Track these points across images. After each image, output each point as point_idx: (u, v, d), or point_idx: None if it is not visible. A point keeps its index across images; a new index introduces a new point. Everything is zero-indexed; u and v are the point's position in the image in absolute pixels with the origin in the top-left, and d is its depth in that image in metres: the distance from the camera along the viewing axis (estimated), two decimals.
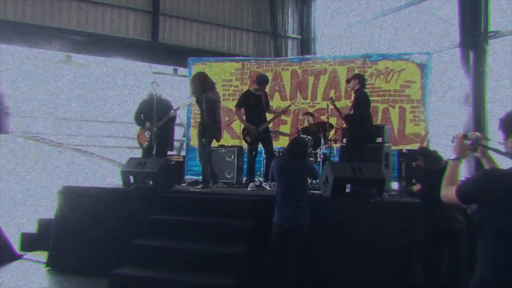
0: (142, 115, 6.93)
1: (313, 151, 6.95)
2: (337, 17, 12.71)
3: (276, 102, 8.60)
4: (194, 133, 8.57)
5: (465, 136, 2.37)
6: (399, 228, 4.71)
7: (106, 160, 12.37)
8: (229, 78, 9.16)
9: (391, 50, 9.95)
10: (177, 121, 7.49)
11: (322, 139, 7.01)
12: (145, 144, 6.76)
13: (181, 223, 5.02)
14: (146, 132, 6.75)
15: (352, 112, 6.17)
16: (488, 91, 8.51)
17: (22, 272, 5.60)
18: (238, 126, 8.71)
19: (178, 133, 9.89)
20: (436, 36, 9.70)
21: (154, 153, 6.76)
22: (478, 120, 8.39)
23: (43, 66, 11.96)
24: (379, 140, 6.71)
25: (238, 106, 6.70)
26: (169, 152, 7.87)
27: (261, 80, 6.66)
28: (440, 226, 4.09)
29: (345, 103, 7.95)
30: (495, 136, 2.26)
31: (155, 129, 6.66)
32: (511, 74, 8.08)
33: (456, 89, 9.00)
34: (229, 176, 7.65)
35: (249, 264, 4.52)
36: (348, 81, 6.53)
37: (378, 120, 8.16)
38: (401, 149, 7.17)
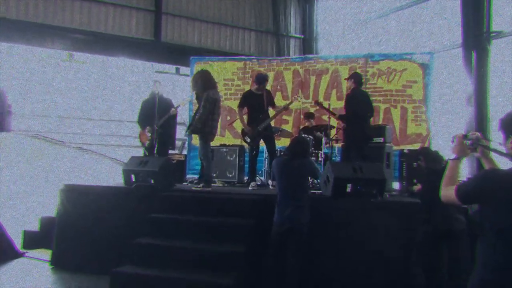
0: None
1: (314, 151, 6.96)
2: (340, 17, 12.69)
3: (277, 102, 8.52)
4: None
5: (465, 136, 2.38)
6: (399, 228, 4.71)
7: (108, 158, 12.39)
8: (231, 77, 9.17)
9: (393, 50, 9.94)
10: (180, 120, 7.51)
11: (323, 139, 7.00)
12: (147, 143, 6.77)
13: (182, 222, 5.03)
14: (147, 131, 6.76)
15: (344, 112, 6.19)
16: (490, 91, 8.49)
17: (25, 269, 5.62)
18: (239, 125, 8.73)
19: (180, 132, 9.90)
20: (439, 36, 9.68)
21: (155, 151, 6.78)
22: (480, 120, 8.37)
23: (45, 65, 12.00)
24: (380, 140, 6.72)
25: (240, 106, 6.75)
26: (170, 151, 7.89)
27: (260, 79, 6.68)
28: (440, 226, 4.09)
29: None
30: (497, 136, 2.26)
31: (156, 128, 6.67)
32: None
33: (458, 89, 8.98)
34: (230, 175, 7.67)
35: (249, 264, 4.52)
36: (346, 79, 6.55)
37: (379, 120, 8.16)
38: (403, 149, 7.17)
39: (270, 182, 6.90)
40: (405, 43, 10.35)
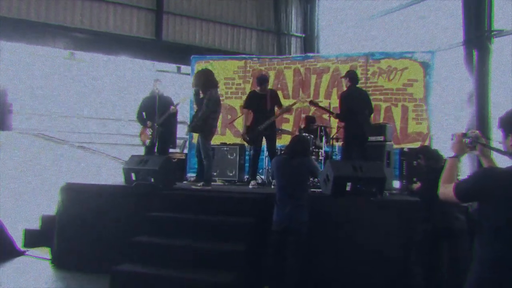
0: (144, 113, 6.94)
1: (315, 150, 6.96)
2: (341, 15, 12.68)
3: None
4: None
5: (464, 134, 2.39)
6: (399, 227, 4.70)
7: (110, 157, 12.43)
8: (231, 76, 9.17)
9: (395, 49, 9.92)
10: (181, 118, 7.51)
11: (324, 138, 7.01)
12: (147, 141, 6.77)
13: (182, 220, 5.04)
14: (148, 130, 6.76)
15: (338, 111, 6.18)
16: (492, 90, 8.47)
17: (25, 268, 5.64)
18: (240, 124, 8.74)
19: (181, 130, 9.91)
20: (440, 35, 9.66)
21: (156, 150, 6.79)
22: (481, 119, 8.35)
23: (47, 64, 12.02)
24: (381, 138, 6.71)
25: (244, 106, 6.84)
26: (172, 150, 7.89)
27: (260, 81, 6.72)
28: (439, 224, 4.08)
29: None
30: (498, 135, 2.26)
31: (157, 126, 6.67)
32: None
33: (459, 88, 8.96)
34: (231, 174, 7.68)
35: (249, 263, 4.52)
36: (342, 77, 6.53)
37: (380, 118, 8.16)
38: (403, 148, 7.16)
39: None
40: (406, 42, 10.33)
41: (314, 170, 4.58)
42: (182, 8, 12.13)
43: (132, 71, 12.96)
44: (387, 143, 6.72)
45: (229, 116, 8.84)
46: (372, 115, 6.64)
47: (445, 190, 2.26)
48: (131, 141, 11.53)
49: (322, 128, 7.12)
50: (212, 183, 6.39)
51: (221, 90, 8.50)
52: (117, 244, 5.08)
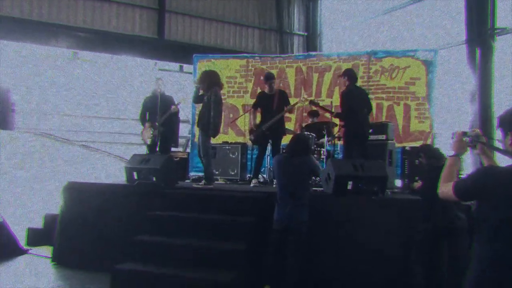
0: (147, 113, 6.95)
1: (316, 148, 6.95)
2: (343, 14, 12.67)
3: None
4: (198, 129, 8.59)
5: (464, 133, 2.38)
6: (400, 226, 4.68)
7: (112, 156, 12.46)
8: (233, 75, 9.17)
9: (397, 47, 9.90)
10: (183, 117, 7.52)
11: (325, 136, 6.99)
12: (148, 140, 6.78)
13: (183, 219, 5.04)
14: (149, 129, 6.78)
15: (340, 110, 6.16)
16: (495, 88, 8.43)
17: (27, 266, 5.66)
18: (242, 123, 8.75)
19: (183, 129, 9.92)
20: (442, 33, 9.63)
21: (158, 149, 6.80)
22: (484, 118, 8.33)
23: (49, 63, 12.06)
24: (383, 137, 6.69)
25: (253, 106, 6.91)
26: (174, 149, 7.90)
27: (267, 77, 6.77)
28: (440, 223, 4.07)
29: None
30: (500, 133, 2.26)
31: (158, 126, 6.68)
32: None
33: (462, 86, 8.93)
34: (232, 173, 7.69)
35: (249, 262, 4.52)
36: (340, 76, 6.49)
37: (382, 117, 8.14)
38: (405, 146, 7.14)
39: None
40: (408, 40, 10.30)
41: (315, 169, 4.57)
42: (184, 7, 12.15)
43: (134, 70, 12.98)
44: (389, 141, 6.70)
45: (231, 115, 8.85)
46: (370, 114, 6.60)
47: (445, 189, 2.25)
48: (134, 140, 11.55)
49: (325, 126, 7.11)
50: (215, 182, 6.39)
51: (223, 89, 8.50)
52: (118, 243, 5.10)
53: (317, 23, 13.49)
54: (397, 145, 7.24)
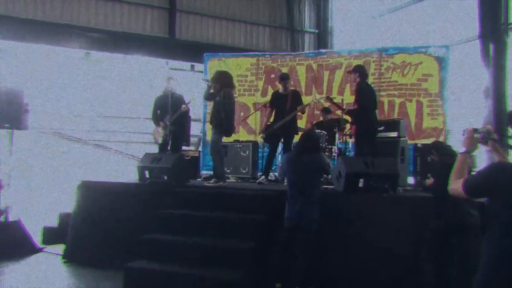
0: (158, 112, 6.99)
1: (328, 146, 6.93)
2: (354, 11, 12.57)
3: None
4: (210, 128, 8.62)
5: (475, 130, 2.37)
6: (411, 223, 4.64)
7: (125, 155, 12.58)
8: (244, 73, 9.19)
9: (409, 44, 9.80)
10: (194, 116, 7.54)
11: (336, 134, 6.97)
12: (160, 139, 6.83)
13: (194, 217, 5.06)
14: (161, 128, 6.82)
15: (355, 106, 6.11)
16: (509, 84, 8.31)
17: (41, 264, 5.75)
18: (253, 121, 8.76)
19: (194, 128, 9.95)
20: (455, 29, 9.50)
21: (169, 148, 6.84)
22: (498, 113, 8.21)
23: (62, 64, 12.21)
24: (395, 134, 6.63)
25: (268, 105, 6.93)
26: (186, 148, 7.94)
27: (282, 77, 6.80)
28: (451, 221, 4.03)
29: None
30: None
31: (169, 125, 6.72)
32: None
33: (476, 82, 8.81)
34: (244, 171, 7.71)
35: (257, 260, 4.51)
36: (349, 72, 6.41)
37: (394, 114, 8.09)
38: (417, 143, 7.07)
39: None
40: (420, 36, 10.18)
41: (325, 167, 4.52)
42: (194, 6, 12.20)
43: (146, 70, 13.07)
44: (401, 139, 6.64)
45: (242, 114, 8.86)
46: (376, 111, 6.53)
47: (455, 186, 2.24)
48: (147, 139, 11.64)
49: (336, 124, 7.08)
50: (226, 180, 6.41)
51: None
52: (129, 241, 5.13)
53: (328, 20, 13.41)
54: (409, 142, 7.18)
